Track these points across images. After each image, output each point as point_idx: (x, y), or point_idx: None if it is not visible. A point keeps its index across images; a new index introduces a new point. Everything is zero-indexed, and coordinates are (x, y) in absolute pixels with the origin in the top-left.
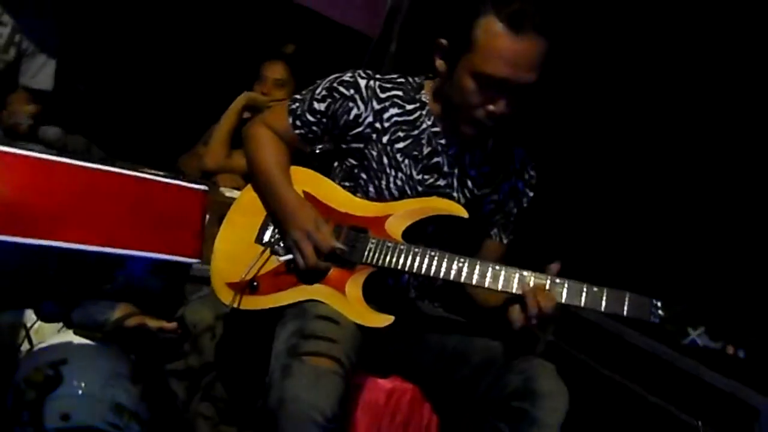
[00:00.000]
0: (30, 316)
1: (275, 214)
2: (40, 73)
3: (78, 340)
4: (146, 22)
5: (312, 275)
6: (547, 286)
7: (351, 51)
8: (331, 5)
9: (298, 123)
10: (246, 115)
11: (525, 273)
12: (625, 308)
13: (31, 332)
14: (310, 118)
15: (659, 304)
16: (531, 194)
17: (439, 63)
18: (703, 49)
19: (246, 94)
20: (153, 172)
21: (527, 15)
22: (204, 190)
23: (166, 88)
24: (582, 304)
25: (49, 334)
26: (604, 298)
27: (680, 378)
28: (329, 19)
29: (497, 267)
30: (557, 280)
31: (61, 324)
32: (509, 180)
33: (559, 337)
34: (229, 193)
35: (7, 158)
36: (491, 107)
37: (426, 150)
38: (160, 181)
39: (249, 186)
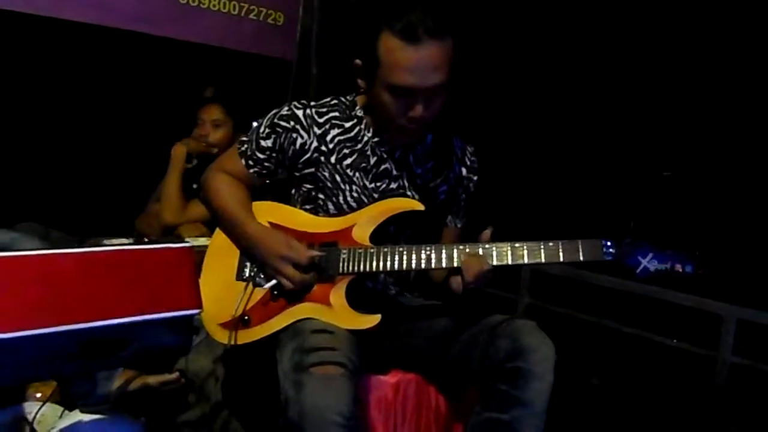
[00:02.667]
0: (29, 408)
1: (248, 250)
2: None
3: (88, 417)
4: (63, 87)
5: (300, 293)
6: (494, 251)
7: (275, 77)
8: (240, 40)
9: (250, 163)
10: (187, 165)
11: (478, 245)
12: (581, 254)
13: (35, 425)
14: (261, 156)
15: (609, 243)
16: (475, 178)
17: (360, 82)
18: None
19: (183, 143)
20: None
21: (417, 25)
22: (190, 246)
23: (103, 155)
24: (543, 259)
25: (52, 421)
26: (561, 250)
27: (647, 305)
28: (246, 53)
29: (461, 246)
30: (494, 245)
31: (61, 408)
32: (453, 169)
33: (534, 297)
34: (194, 242)
35: (6, 262)
36: (411, 113)
37: (373, 160)
38: (148, 248)
39: (217, 230)
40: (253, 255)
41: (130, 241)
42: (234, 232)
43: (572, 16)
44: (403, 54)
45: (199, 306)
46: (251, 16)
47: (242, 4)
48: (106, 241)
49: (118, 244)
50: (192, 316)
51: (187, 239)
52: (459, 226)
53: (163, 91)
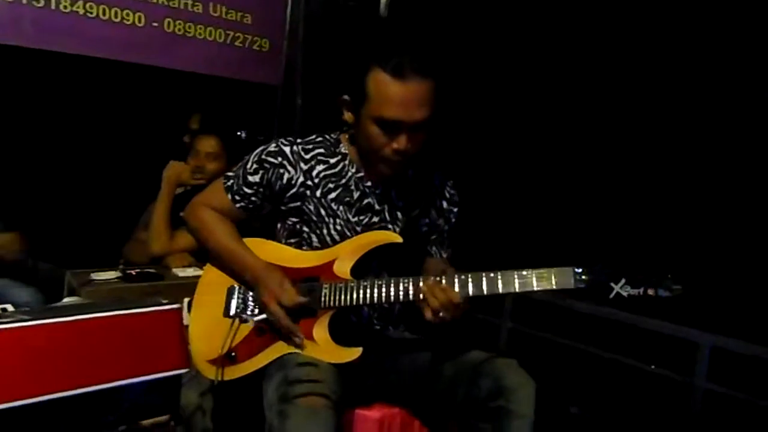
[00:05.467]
0: None
1: (248, 283)
2: None
3: None
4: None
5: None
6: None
7: (262, 103)
8: (226, 67)
9: (237, 197)
10: (178, 190)
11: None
12: (553, 282)
13: None
14: (248, 191)
15: (580, 270)
16: (455, 210)
17: (347, 116)
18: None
19: (172, 173)
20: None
21: (406, 63)
22: (177, 308)
23: (88, 185)
24: (517, 289)
25: None
26: (534, 278)
27: (626, 331)
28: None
29: (437, 278)
30: (464, 276)
31: None
32: (434, 202)
33: (516, 321)
34: (182, 273)
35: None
36: (395, 145)
37: (356, 194)
38: (138, 312)
39: (207, 267)
40: (250, 286)
41: (117, 273)
42: (230, 265)
43: (549, 50)
44: (392, 88)
45: (187, 365)
46: (237, 43)
47: (228, 31)
48: (93, 275)
49: (105, 281)
50: (180, 376)
51: (174, 270)
52: (444, 256)
53: (149, 119)
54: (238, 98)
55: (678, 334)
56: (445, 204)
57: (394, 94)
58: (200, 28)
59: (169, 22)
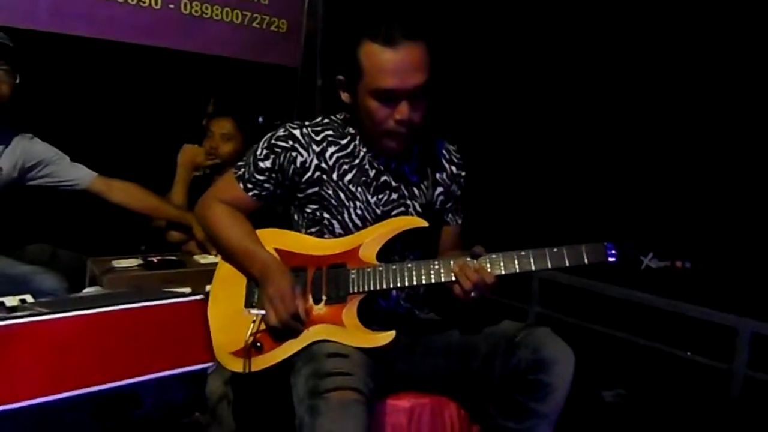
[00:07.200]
0: None
1: (255, 278)
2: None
3: None
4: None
5: (293, 326)
6: (488, 264)
7: (281, 86)
8: (244, 49)
9: (249, 186)
10: (196, 173)
11: (493, 256)
12: (585, 257)
13: None
14: (260, 177)
15: (611, 245)
16: (464, 173)
17: (345, 96)
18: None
19: (187, 156)
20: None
21: (395, 30)
22: (200, 299)
23: (108, 172)
24: (549, 265)
25: None
26: (566, 255)
27: (661, 317)
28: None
29: (468, 259)
30: (494, 255)
31: None
32: (445, 169)
33: (545, 306)
34: (203, 260)
35: (15, 329)
36: (397, 116)
37: (372, 173)
38: (159, 305)
39: (221, 261)
40: (258, 282)
41: (138, 260)
42: (243, 261)
43: (566, 16)
44: (384, 57)
45: (212, 359)
46: (254, 24)
47: (245, 12)
48: (114, 262)
49: (126, 268)
50: (205, 369)
51: (195, 257)
52: (459, 222)
53: (169, 103)
54: (258, 81)
55: (716, 319)
56: (454, 169)
57: (387, 62)
58: (217, 10)
59: (185, 4)
